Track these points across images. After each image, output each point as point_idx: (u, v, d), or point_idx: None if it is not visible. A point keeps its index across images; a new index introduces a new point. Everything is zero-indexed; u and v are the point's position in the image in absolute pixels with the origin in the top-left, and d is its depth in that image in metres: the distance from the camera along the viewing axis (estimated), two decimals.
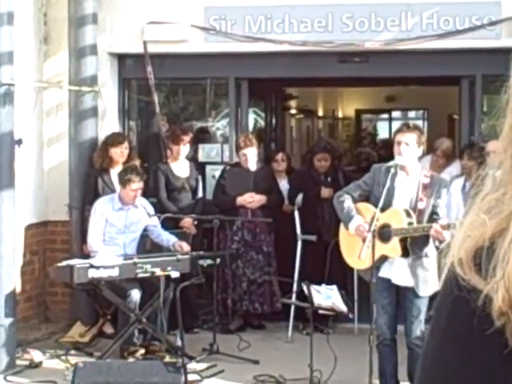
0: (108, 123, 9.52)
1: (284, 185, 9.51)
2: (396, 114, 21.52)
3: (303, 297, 7.03)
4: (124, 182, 8.20)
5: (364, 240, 6.53)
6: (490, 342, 0.97)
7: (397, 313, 6.67)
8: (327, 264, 8.56)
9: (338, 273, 8.40)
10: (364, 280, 6.96)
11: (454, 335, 1.01)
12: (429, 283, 6.47)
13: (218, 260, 8.29)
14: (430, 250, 6.50)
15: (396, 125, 16.61)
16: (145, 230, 8.50)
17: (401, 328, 6.70)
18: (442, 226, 6.24)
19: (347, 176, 9.43)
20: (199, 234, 9.12)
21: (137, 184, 8.18)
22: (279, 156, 9.90)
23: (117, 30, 9.40)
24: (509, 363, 0.96)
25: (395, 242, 6.46)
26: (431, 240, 6.44)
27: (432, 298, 6.93)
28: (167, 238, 8.42)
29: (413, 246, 6.48)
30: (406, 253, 6.48)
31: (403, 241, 6.47)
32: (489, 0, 8.87)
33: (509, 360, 0.96)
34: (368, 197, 6.70)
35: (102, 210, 8.31)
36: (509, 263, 0.95)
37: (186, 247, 8.25)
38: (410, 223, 6.45)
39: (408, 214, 6.48)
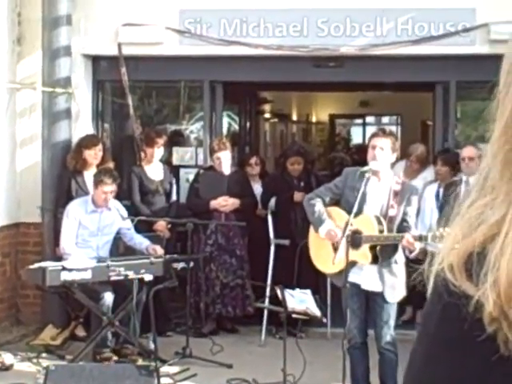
0: (82, 125, 9.47)
1: (258, 188, 9.51)
2: (370, 119, 21.59)
3: (276, 301, 7.02)
4: (96, 183, 8.19)
5: (334, 245, 6.56)
6: (481, 347, 0.97)
7: (367, 317, 6.69)
8: (296, 266, 8.55)
9: (310, 277, 8.39)
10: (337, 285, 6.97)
11: (444, 340, 1.01)
12: (397, 289, 6.51)
13: (192, 263, 8.27)
14: (399, 257, 6.54)
15: (370, 130, 16.70)
16: (118, 232, 8.45)
17: (372, 333, 6.72)
18: (414, 237, 6.27)
19: (320, 181, 9.44)
20: (173, 238, 9.10)
21: (109, 186, 8.14)
22: (253, 160, 9.90)
23: (91, 31, 9.36)
24: (499, 369, 0.96)
25: (365, 248, 6.47)
26: (400, 247, 6.46)
27: (401, 304, 6.96)
28: (140, 241, 8.39)
29: (382, 252, 6.49)
30: (375, 259, 6.50)
31: (373, 248, 6.49)
32: (463, 7, 8.91)
33: (499, 366, 0.96)
34: (338, 200, 6.71)
35: (75, 212, 8.26)
36: (500, 269, 0.95)
37: (160, 250, 8.22)
38: (381, 231, 6.47)
39: (379, 222, 6.49)
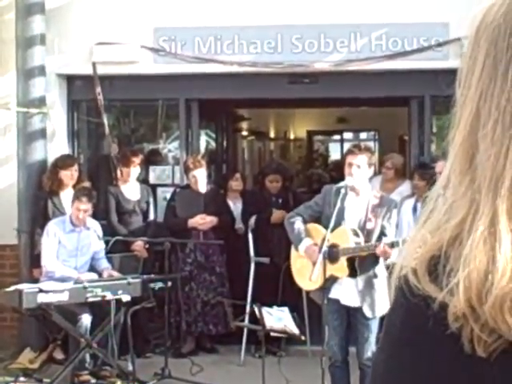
0: (57, 145, 9.42)
1: (238, 206, 9.48)
2: (348, 135, 21.61)
3: (256, 318, 6.98)
4: (73, 200, 8.22)
5: (314, 261, 6.54)
6: (446, 346, 0.98)
7: (348, 334, 6.66)
8: (280, 287, 8.53)
9: (290, 295, 8.37)
10: (314, 302, 6.94)
11: (408, 343, 1.02)
12: (377, 304, 6.47)
13: (170, 283, 8.21)
14: (380, 270, 6.52)
15: (348, 146, 16.67)
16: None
17: (353, 349, 6.68)
18: (387, 244, 6.28)
19: (298, 198, 9.44)
20: (151, 257, 9.03)
21: (83, 205, 8.12)
22: (238, 175, 9.90)
23: (65, 50, 9.32)
24: (464, 368, 0.97)
25: (342, 261, 6.46)
26: (381, 260, 6.45)
27: (383, 320, 6.93)
28: (100, 263, 8.36)
29: (361, 266, 6.49)
30: (354, 273, 6.49)
31: (351, 260, 6.48)
32: (436, 21, 8.95)
33: (464, 365, 0.97)
34: (319, 217, 6.71)
35: (55, 230, 8.22)
36: (470, 265, 0.95)
37: (115, 275, 8.18)
38: (357, 243, 6.47)
39: (355, 234, 6.49)
